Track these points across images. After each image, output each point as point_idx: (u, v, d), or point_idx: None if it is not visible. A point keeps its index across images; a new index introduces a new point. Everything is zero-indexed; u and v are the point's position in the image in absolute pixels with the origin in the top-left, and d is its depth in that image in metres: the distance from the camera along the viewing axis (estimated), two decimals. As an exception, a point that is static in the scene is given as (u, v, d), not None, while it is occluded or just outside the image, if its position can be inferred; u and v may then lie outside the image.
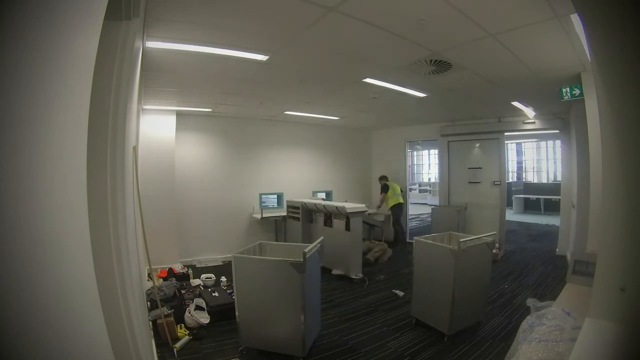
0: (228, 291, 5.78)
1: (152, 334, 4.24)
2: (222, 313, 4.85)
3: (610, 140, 1.17)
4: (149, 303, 4.67)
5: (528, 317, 3.10)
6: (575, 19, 3.19)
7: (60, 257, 0.91)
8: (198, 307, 4.83)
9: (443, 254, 4.25)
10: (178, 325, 4.47)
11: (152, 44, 3.77)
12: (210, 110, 7.68)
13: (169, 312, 4.50)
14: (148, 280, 5.31)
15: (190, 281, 6.28)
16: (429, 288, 4.48)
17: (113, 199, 1.77)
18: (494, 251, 7.38)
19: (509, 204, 13.52)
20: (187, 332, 4.41)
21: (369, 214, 9.29)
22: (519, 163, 19.02)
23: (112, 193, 1.77)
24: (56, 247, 0.89)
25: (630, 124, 1.09)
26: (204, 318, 4.67)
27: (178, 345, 4.03)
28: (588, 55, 4.00)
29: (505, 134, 9.22)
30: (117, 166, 1.81)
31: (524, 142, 18.18)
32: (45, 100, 0.80)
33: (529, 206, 15.86)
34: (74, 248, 1.05)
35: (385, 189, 9.94)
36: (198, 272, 7.03)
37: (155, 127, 7.20)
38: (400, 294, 5.90)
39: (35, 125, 0.76)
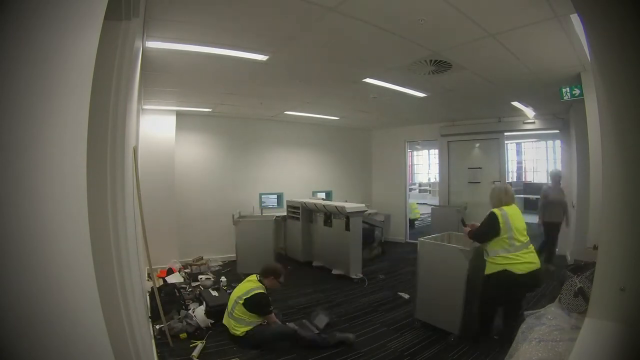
0: (228, 291, 5.79)
1: (153, 334, 4.24)
2: (222, 313, 4.84)
3: (610, 140, 1.17)
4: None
5: (528, 317, 3.10)
6: (575, 19, 3.19)
7: (60, 257, 0.91)
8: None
9: (453, 255, 4.25)
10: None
11: (152, 44, 3.78)
12: (210, 110, 7.68)
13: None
14: (148, 280, 5.31)
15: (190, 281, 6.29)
16: (436, 290, 4.45)
17: (113, 199, 1.78)
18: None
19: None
20: (186, 335, 4.40)
21: (369, 214, 9.29)
22: (519, 163, 19.00)
23: (112, 193, 1.77)
24: (56, 247, 0.89)
25: (630, 124, 1.09)
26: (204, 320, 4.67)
27: (195, 352, 3.99)
28: (588, 55, 4.01)
29: (505, 134, 9.22)
30: (117, 166, 1.81)
31: (523, 142, 18.16)
32: (46, 100, 0.80)
33: (529, 206, 15.83)
34: (74, 248, 1.05)
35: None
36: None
37: (155, 127, 7.20)
38: (406, 296, 5.86)
39: (35, 125, 0.76)
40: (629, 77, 1.03)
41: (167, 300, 4.79)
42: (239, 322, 4.29)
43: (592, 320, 1.21)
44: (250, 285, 4.49)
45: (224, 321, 4.49)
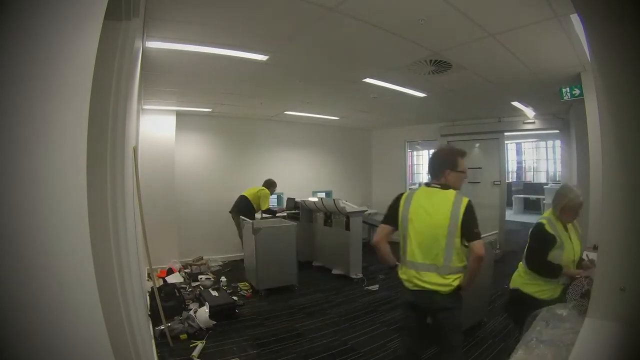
0: (228, 291, 5.79)
1: (152, 334, 4.24)
2: (222, 313, 4.85)
3: (610, 139, 1.17)
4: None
5: (530, 319, 3.08)
6: (575, 19, 3.19)
7: (60, 257, 0.91)
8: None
9: None
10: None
11: (152, 44, 3.77)
12: (210, 110, 7.69)
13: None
14: (148, 280, 5.30)
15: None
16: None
17: (113, 199, 1.78)
18: (495, 251, 7.41)
19: (509, 204, 13.50)
20: (187, 335, 4.40)
21: (369, 213, 9.29)
22: (519, 163, 18.99)
23: (112, 193, 1.77)
24: (56, 247, 0.88)
25: (630, 124, 1.09)
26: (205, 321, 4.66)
27: (195, 352, 3.99)
28: (588, 55, 4.00)
29: (505, 134, 9.21)
30: (117, 166, 1.81)
31: (523, 142, 18.14)
32: (45, 101, 0.80)
33: (529, 206, 15.84)
34: (74, 248, 1.05)
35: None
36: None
37: (155, 127, 7.21)
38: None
39: (35, 125, 0.76)
40: (629, 77, 1.03)
41: (167, 300, 4.79)
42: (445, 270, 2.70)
43: (592, 320, 1.21)
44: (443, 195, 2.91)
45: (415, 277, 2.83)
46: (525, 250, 3.17)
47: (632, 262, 1.12)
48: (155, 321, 4.42)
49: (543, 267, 3.01)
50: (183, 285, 5.92)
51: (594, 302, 1.26)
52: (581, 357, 1.19)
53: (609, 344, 1.13)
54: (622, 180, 1.14)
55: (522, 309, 2.76)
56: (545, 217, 3.11)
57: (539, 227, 3.05)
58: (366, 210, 7.35)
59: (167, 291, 5.11)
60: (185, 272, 6.86)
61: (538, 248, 3.04)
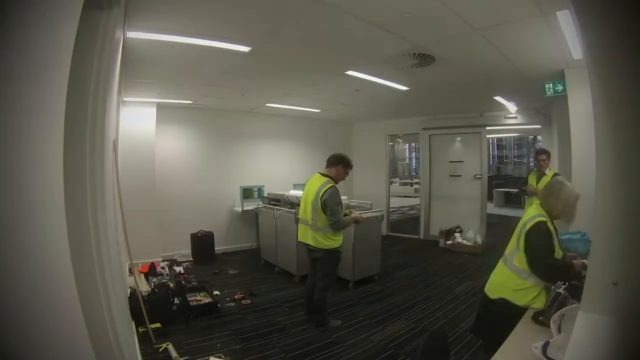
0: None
1: (135, 331, 4.18)
2: (202, 308, 4.82)
3: (604, 133, 1.17)
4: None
5: None
6: (561, 15, 3.21)
7: (36, 254, 0.87)
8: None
9: None
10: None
11: (132, 34, 3.69)
12: (191, 102, 7.58)
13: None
14: (129, 275, 5.23)
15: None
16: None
17: (92, 194, 1.73)
18: (475, 244, 7.60)
19: (490, 197, 13.69)
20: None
21: (350, 206, 9.30)
22: (499, 157, 19.28)
23: (91, 187, 1.73)
24: (32, 243, 0.85)
25: (624, 116, 1.09)
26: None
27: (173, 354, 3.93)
28: (572, 53, 4.07)
29: (487, 128, 9.31)
30: (97, 160, 1.77)
31: (505, 136, 18.41)
32: (20, 94, 0.76)
33: (510, 199, 16.08)
34: (51, 245, 1.01)
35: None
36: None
37: (135, 119, 7.06)
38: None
39: (9, 119, 0.72)
40: (627, 72, 1.03)
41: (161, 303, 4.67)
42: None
43: (585, 314, 1.23)
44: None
45: (300, 238, 4.65)
46: (529, 254, 2.71)
47: (625, 257, 1.13)
48: (139, 321, 4.34)
49: (554, 269, 2.65)
50: (165, 280, 5.81)
51: (586, 296, 1.27)
52: (575, 350, 1.21)
53: (602, 337, 1.14)
54: (615, 175, 1.14)
55: (510, 323, 2.49)
56: (539, 215, 2.78)
57: (542, 225, 2.70)
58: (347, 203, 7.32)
59: (160, 294, 4.92)
60: (166, 265, 6.71)
61: (546, 249, 2.68)
